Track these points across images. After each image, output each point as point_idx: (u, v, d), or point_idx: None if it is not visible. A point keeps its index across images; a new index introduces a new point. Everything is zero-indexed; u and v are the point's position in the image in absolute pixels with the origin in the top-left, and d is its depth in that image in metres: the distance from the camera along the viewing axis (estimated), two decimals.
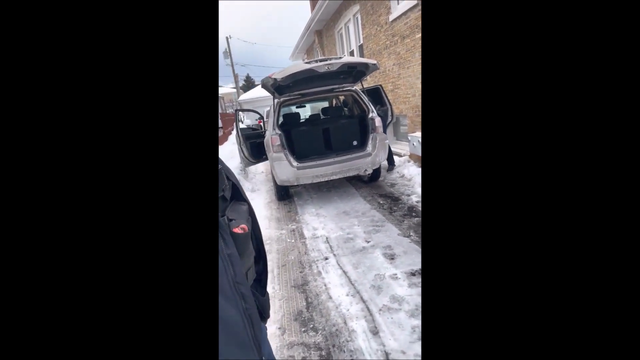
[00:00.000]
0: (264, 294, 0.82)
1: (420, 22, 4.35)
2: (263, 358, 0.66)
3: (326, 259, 2.55)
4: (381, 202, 3.61)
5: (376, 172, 4.16)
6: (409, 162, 4.81)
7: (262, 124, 5.73)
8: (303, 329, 1.80)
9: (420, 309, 1.80)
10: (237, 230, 0.66)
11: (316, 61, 3.39)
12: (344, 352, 1.59)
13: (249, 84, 35.88)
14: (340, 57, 3.48)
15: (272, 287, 2.27)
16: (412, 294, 1.94)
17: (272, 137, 3.70)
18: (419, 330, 1.65)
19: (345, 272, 2.30)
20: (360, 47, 6.94)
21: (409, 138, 4.48)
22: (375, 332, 1.69)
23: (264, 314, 0.83)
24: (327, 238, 2.91)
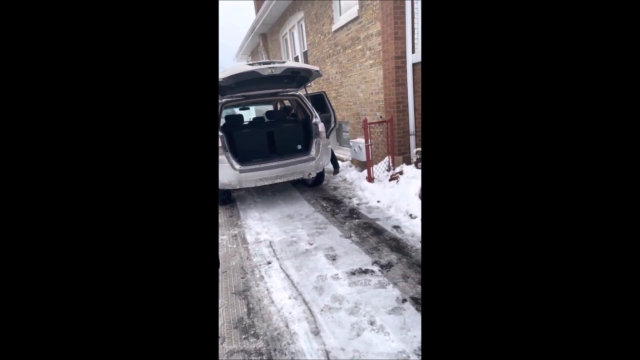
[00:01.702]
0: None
1: (360, 35, 4.61)
2: None
3: (269, 263, 2.52)
4: (324, 204, 3.70)
5: (320, 176, 4.25)
6: (350, 166, 5.03)
7: None
8: (244, 336, 1.75)
9: (358, 306, 1.88)
10: None
11: (259, 63, 3.36)
12: (285, 355, 1.59)
13: None
14: (283, 62, 3.50)
15: None
16: (351, 293, 2.02)
17: None
18: (357, 327, 1.73)
19: (288, 276, 2.31)
20: (305, 54, 7.06)
21: (351, 144, 4.68)
22: (316, 332, 1.72)
23: None
24: (270, 242, 2.88)
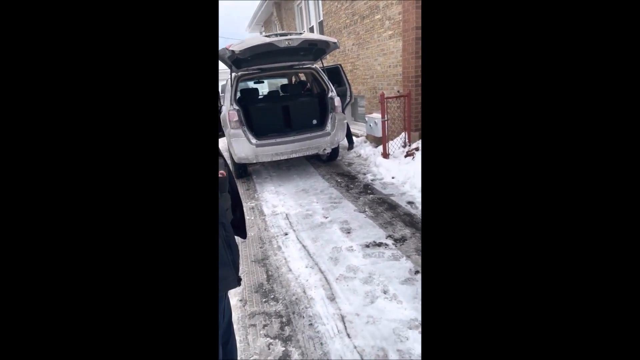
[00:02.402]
0: (245, 237, 1.07)
1: (379, 3, 4.40)
2: (240, 276, 0.93)
3: (286, 234, 2.62)
4: (339, 180, 3.74)
5: (334, 152, 4.26)
6: (365, 142, 4.99)
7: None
8: (264, 300, 1.87)
9: (372, 276, 1.97)
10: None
11: (276, 35, 3.29)
12: (304, 317, 1.70)
13: None
14: (300, 33, 3.42)
15: None
16: (366, 264, 2.10)
17: (230, 112, 3.57)
18: (371, 295, 1.81)
19: (304, 246, 2.40)
20: (320, 24, 6.82)
21: (366, 119, 4.62)
22: (332, 298, 1.82)
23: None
24: (286, 215, 2.97)
